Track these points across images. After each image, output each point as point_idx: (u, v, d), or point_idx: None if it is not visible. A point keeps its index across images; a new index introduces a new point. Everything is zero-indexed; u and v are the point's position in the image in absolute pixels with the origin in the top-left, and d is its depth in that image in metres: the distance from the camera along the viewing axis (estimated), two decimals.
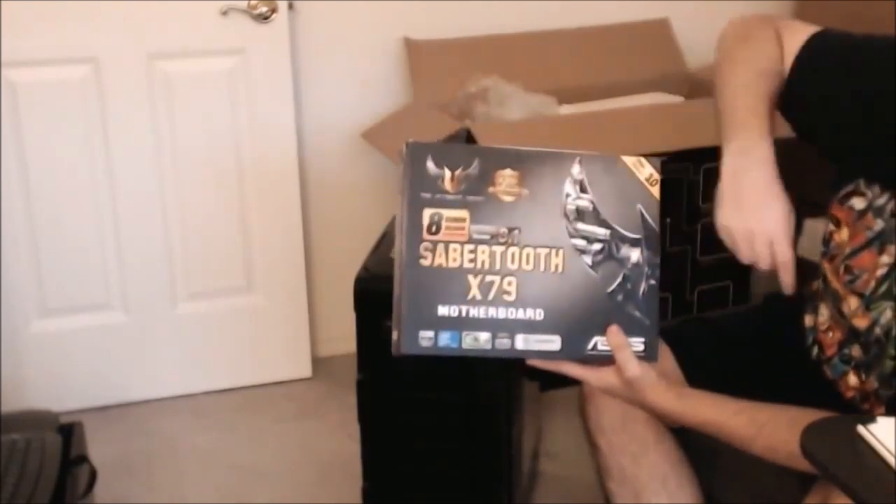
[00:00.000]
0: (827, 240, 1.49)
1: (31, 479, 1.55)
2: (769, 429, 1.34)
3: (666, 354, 1.61)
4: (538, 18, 2.90)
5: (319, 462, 2.47)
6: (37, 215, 2.55)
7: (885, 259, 1.39)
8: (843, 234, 1.45)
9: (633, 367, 1.32)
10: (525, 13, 2.89)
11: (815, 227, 1.80)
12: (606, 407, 1.64)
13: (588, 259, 1.28)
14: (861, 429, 1.14)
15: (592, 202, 1.29)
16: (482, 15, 2.86)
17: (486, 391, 1.80)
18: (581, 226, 1.28)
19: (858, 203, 1.43)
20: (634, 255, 1.30)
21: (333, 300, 2.85)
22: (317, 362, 2.90)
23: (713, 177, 2.78)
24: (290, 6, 2.63)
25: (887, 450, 1.10)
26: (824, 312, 1.51)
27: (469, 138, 2.50)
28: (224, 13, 2.54)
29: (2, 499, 1.49)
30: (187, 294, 2.73)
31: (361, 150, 2.82)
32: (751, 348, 1.64)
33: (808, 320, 1.57)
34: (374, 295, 1.79)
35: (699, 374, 1.61)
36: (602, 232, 1.29)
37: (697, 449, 1.67)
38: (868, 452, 1.11)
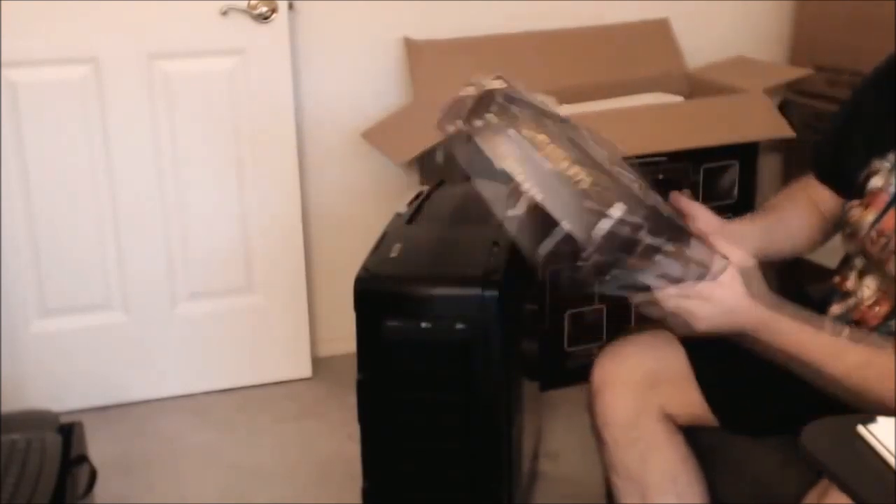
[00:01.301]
0: (845, 222, 1.52)
1: (31, 479, 1.54)
2: (865, 364, 1.34)
3: (679, 354, 1.62)
4: (538, 18, 2.90)
5: (319, 462, 2.47)
6: (37, 215, 2.55)
7: None
8: (866, 211, 1.48)
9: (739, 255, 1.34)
10: (525, 13, 2.89)
11: None
12: (616, 402, 1.64)
13: None
14: (861, 429, 1.14)
15: None
16: (482, 15, 2.86)
17: (486, 391, 1.79)
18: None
19: (877, 181, 1.47)
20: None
21: (333, 300, 2.85)
22: (317, 362, 2.90)
23: (713, 177, 2.81)
24: (290, 6, 2.64)
25: (887, 450, 1.10)
26: (870, 286, 1.50)
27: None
28: (224, 13, 2.55)
29: (2, 499, 1.49)
30: (187, 294, 2.73)
31: (361, 150, 2.82)
32: None
33: (836, 309, 1.57)
34: (374, 295, 1.79)
35: (710, 373, 1.62)
36: None
37: (701, 445, 1.68)
38: (868, 452, 1.11)
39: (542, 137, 1.25)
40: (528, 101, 1.28)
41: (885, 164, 1.47)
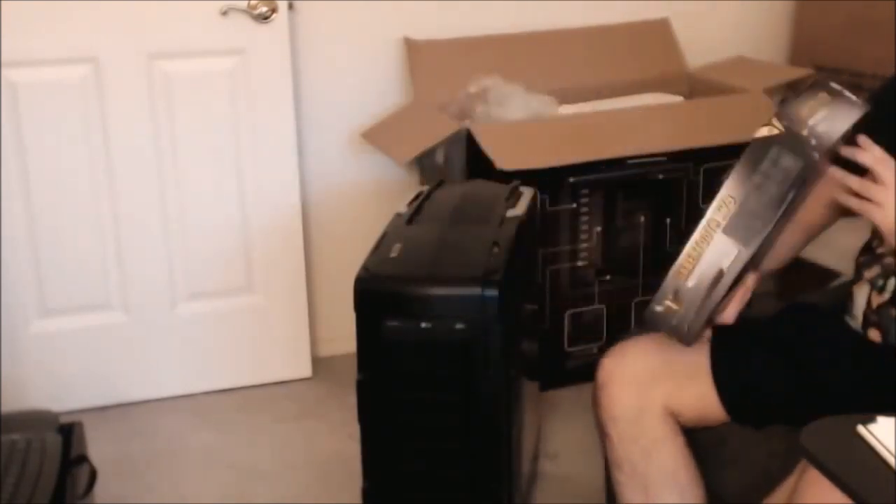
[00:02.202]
0: None
1: (31, 479, 1.54)
2: None
3: (686, 351, 1.63)
4: (538, 18, 2.90)
5: (319, 462, 2.47)
6: (37, 215, 2.55)
7: None
8: None
9: None
10: (525, 13, 2.89)
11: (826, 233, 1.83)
12: (621, 398, 1.66)
13: None
14: (861, 429, 1.14)
15: None
16: (482, 15, 2.86)
17: (486, 391, 1.80)
18: None
19: None
20: None
21: (333, 300, 2.85)
22: (317, 362, 2.90)
23: (713, 177, 2.81)
24: (290, 6, 2.63)
25: (887, 450, 1.10)
26: None
27: (470, 138, 2.50)
28: (224, 13, 2.55)
29: (2, 499, 1.49)
30: (187, 294, 2.73)
31: (361, 150, 2.82)
32: (776, 348, 1.66)
33: (870, 273, 1.62)
34: (374, 295, 1.79)
35: (723, 366, 1.63)
36: None
37: (701, 442, 1.69)
38: (868, 452, 1.11)
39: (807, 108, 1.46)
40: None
41: None
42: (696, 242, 1.48)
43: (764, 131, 1.44)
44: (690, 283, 1.48)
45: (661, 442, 1.65)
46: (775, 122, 1.44)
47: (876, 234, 1.64)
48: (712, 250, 1.47)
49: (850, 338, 1.65)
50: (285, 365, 2.85)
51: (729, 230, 1.46)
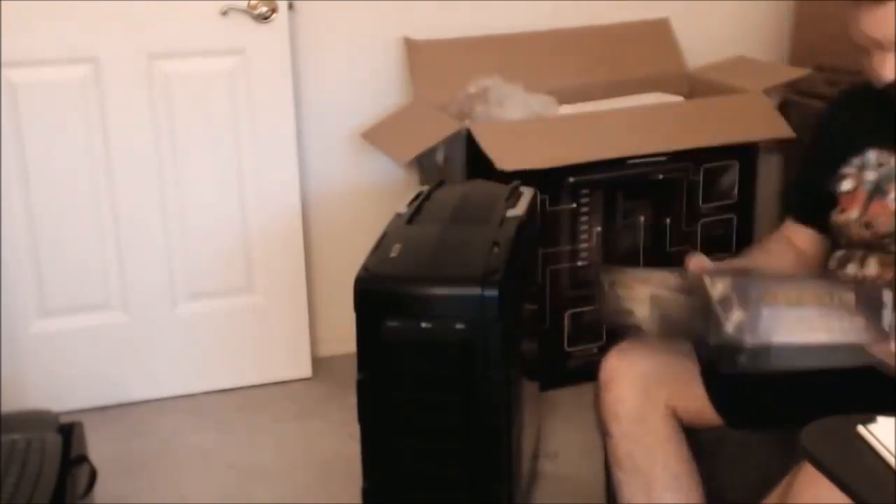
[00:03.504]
0: (836, 231, 1.67)
1: (31, 479, 1.54)
2: None
3: (686, 353, 1.64)
4: (538, 18, 2.90)
5: (319, 462, 2.47)
6: (37, 215, 2.55)
7: (892, 196, 1.57)
8: (847, 212, 1.63)
9: None
10: (525, 13, 2.89)
11: None
12: (626, 396, 1.66)
13: None
14: (861, 429, 1.14)
15: None
16: (482, 15, 2.86)
17: (486, 391, 1.80)
18: None
19: (847, 185, 1.64)
20: None
21: (333, 300, 2.85)
22: (317, 362, 2.90)
23: (713, 177, 2.81)
24: (290, 6, 2.64)
25: (887, 450, 1.10)
26: (873, 264, 1.61)
27: (470, 138, 2.50)
28: (224, 13, 2.55)
29: (2, 499, 1.49)
30: (187, 294, 2.73)
31: (361, 150, 2.82)
32: None
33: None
34: (374, 295, 1.79)
35: (716, 378, 1.63)
36: None
37: (702, 442, 1.69)
38: (868, 452, 1.11)
39: (793, 294, 1.27)
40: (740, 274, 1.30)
41: (851, 170, 1.63)
42: None
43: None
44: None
45: (666, 442, 1.66)
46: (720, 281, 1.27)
47: (844, 262, 1.68)
48: None
49: None
50: (285, 365, 2.85)
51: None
